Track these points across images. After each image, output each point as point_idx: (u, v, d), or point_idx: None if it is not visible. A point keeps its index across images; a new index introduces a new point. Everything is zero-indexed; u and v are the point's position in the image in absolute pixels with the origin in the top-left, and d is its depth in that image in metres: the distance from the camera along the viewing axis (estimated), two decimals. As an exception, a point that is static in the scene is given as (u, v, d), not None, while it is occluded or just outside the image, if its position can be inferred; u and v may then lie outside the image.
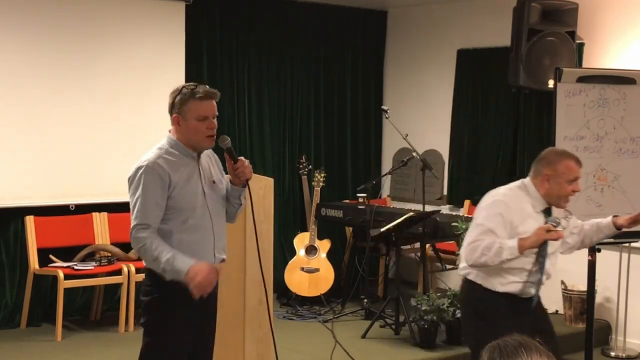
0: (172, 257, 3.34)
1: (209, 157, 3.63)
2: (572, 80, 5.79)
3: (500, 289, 3.84)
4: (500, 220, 3.76)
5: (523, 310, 3.87)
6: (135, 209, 3.41)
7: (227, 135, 3.62)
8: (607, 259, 5.76)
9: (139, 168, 3.44)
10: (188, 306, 3.42)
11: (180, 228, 3.43)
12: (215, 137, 3.53)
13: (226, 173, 3.69)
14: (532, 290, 3.88)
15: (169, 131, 3.56)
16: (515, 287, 3.85)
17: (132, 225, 3.43)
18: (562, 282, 6.23)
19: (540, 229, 3.71)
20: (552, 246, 3.85)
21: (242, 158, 3.60)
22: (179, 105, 3.47)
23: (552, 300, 6.12)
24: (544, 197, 3.86)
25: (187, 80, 6.80)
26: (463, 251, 3.87)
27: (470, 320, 4.01)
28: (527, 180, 3.91)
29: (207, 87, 3.54)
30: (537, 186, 3.86)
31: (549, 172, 3.83)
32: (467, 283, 3.97)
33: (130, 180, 3.46)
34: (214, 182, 3.57)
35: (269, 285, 4.63)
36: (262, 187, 4.57)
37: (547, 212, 3.89)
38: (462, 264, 3.95)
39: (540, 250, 3.80)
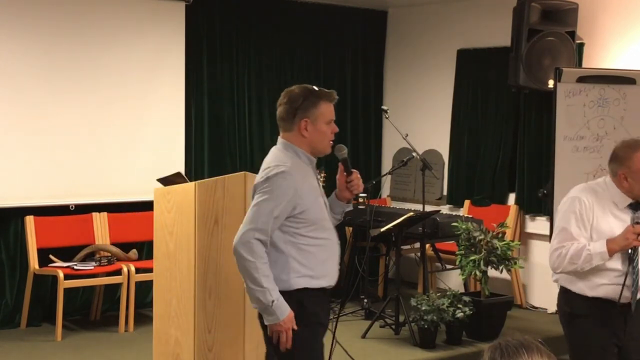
0: (279, 296, 3.10)
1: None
2: (572, 80, 5.80)
3: (590, 293, 3.65)
4: (577, 219, 3.61)
5: (615, 317, 3.66)
6: (259, 212, 3.11)
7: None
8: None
9: (277, 172, 3.15)
10: None
11: (315, 242, 3.20)
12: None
13: (332, 185, 3.41)
14: (629, 295, 3.61)
15: (282, 137, 3.27)
16: (605, 291, 3.62)
17: (247, 227, 3.11)
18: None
19: (629, 233, 3.52)
20: None
21: (355, 170, 3.35)
22: (309, 108, 3.19)
23: (552, 300, 6.10)
24: (627, 194, 3.62)
25: (187, 80, 6.81)
26: (549, 257, 3.69)
27: (563, 326, 3.85)
28: (608, 178, 3.69)
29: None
30: (618, 185, 3.63)
31: (624, 171, 3.59)
32: (560, 288, 3.81)
33: (264, 181, 3.16)
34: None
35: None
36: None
37: (634, 207, 3.63)
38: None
39: (631, 254, 3.59)
